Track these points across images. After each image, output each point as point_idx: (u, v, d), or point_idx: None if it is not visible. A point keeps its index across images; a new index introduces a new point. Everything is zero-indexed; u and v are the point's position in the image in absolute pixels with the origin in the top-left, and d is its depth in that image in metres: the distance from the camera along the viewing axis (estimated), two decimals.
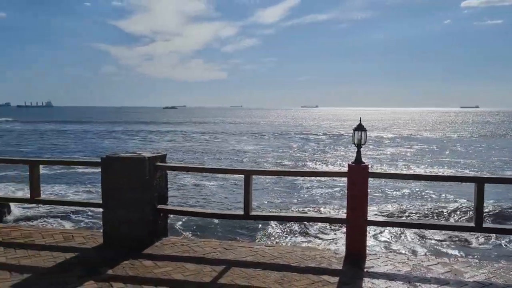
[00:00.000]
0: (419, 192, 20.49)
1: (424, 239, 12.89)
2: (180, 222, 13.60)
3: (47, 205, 16.71)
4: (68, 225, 16.26)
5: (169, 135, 69.67)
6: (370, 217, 5.93)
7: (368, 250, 5.91)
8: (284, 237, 12.84)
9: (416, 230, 12.88)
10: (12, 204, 18.48)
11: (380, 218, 10.96)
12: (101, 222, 6.31)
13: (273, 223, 13.32)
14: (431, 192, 20.32)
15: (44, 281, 4.83)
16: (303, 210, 16.47)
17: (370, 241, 12.08)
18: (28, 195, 7.07)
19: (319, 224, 13.15)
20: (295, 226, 13.31)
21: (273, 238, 12.72)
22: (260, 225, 13.39)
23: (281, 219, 7.64)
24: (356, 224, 5.68)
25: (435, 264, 5.50)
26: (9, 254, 5.74)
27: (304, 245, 11.87)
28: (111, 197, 6.07)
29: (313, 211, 16.34)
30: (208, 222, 13.48)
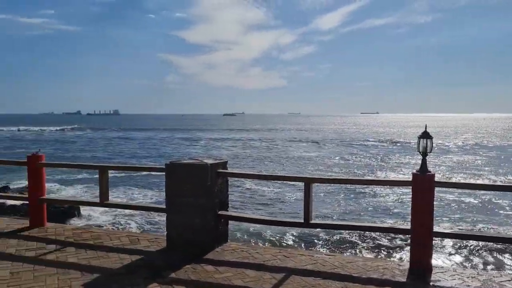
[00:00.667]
0: (489, 203, 19.34)
1: (494, 253, 12.14)
2: (240, 228, 13.75)
3: (115, 209, 17.50)
4: (133, 228, 16.96)
5: (229, 141, 70.83)
6: (436, 228, 5.66)
7: (434, 262, 5.64)
8: (345, 247, 12.59)
9: (485, 243, 12.16)
10: (81, 207, 19.53)
11: (447, 230, 10.44)
12: (165, 226, 6.50)
13: (334, 231, 13.11)
14: (503, 203, 19.10)
15: (112, 282, 5.05)
16: (365, 219, 16.09)
17: (436, 253, 11.56)
18: (97, 199, 7.44)
19: (382, 234, 12.77)
20: (357, 236, 13.02)
21: (333, 247, 12.51)
22: (320, 234, 13.23)
23: (342, 228, 7.49)
24: (420, 235, 5.45)
25: (509, 280, 5.14)
26: (80, 254, 6.06)
27: (366, 255, 11.58)
28: (174, 203, 6.25)
29: (375, 220, 15.90)
30: (267, 228, 13.51)
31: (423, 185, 5.39)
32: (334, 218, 16.23)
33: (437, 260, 11.34)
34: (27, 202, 7.79)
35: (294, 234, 13.33)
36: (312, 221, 6.13)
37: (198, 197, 6.09)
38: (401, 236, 12.13)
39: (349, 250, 12.38)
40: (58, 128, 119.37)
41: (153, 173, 25.62)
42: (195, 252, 6.04)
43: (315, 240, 12.92)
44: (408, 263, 5.64)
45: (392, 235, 12.61)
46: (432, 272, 5.38)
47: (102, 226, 14.82)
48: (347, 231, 13.04)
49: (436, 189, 5.47)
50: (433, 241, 5.63)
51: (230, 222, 6.92)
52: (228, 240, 6.74)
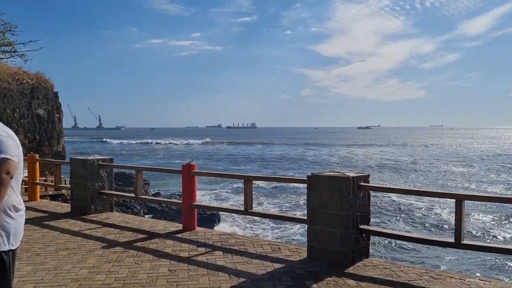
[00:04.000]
0: None
1: None
2: (381, 242, 13.26)
3: (251, 217, 18.28)
4: (269, 236, 17.48)
5: (367, 154, 69.03)
6: None
7: None
8: (503, 272, 11.29)
9: None
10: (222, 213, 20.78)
11: None
12: (306, 237, 6.57)
13: (489, 254, 11.86)
14: None
15: (256, 287, 5.27)
16: None
17: None
18: (242, 208, 7.86)
19: None
20: None
21: (489, 271, 11.31)
22: (472, 255, 12.08)
23: (499, 252, 6.73)
24: None
25: None
26: (227, 258, 6.44)
27: None
28: (315, 214, 6.30)
29: None
30: (411, 244, 12.79)
31: None
32: (488, 239, 14.69)
33: None
34: (176, 207, 8.55)
35: (442, 253, 12.39)
36: (464, 242, 5.64)
37: (339, 209, 6.05)
38: None
39: (508, 275, 11.07)
40: (202, 141, 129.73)
41: (294, 184, 26.29)
42: (335, 265, 5.99)
43: (466, 262, 11.84)
44: None
45: None
46: None
47: (245, 233, 15.53)
48: (505, 255, 11.70)
49: None
50: None
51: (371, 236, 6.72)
52: (369, 256, 6.55)
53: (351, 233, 6.08)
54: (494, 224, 17.54)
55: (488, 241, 13.97)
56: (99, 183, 9.96)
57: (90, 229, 8.43)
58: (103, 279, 5.54)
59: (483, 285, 5.39)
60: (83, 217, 9.55)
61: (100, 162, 9.98)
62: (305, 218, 6.61)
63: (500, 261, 11.69)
